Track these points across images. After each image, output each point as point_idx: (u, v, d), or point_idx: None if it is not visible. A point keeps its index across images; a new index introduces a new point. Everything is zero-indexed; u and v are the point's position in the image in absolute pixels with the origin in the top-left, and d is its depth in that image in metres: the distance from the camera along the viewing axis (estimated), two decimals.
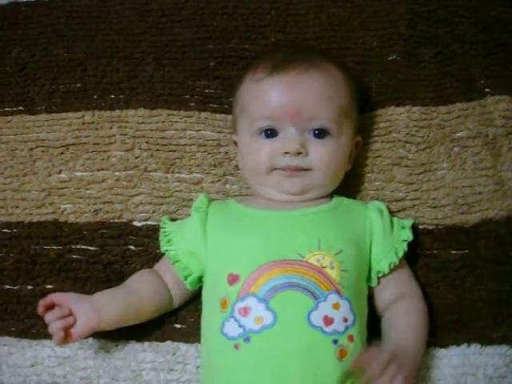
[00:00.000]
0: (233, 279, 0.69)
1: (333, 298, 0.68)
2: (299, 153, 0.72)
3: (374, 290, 0.75)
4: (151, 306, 0.75)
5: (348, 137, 0.76)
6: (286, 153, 0.73)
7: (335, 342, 0.66)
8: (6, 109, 0.90)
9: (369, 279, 0.74)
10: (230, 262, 0.71)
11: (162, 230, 0.79)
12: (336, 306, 0.68)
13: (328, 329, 0.66)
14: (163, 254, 0.78)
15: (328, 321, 0.67)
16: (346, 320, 0.68)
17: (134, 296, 0.74)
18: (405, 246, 0.75)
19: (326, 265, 0.69)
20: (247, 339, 0.66)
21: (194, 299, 0.79)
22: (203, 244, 0.74)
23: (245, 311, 0.67)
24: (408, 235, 0.76)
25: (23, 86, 0.91)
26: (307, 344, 0.66)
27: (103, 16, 0.94)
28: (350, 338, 0.67)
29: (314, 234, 0.71)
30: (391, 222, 0.77)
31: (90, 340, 0.79)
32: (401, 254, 0.74)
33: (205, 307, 0.74)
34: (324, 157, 0.73)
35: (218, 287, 0.71)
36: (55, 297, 0.72)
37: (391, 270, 0.74)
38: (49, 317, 0.70)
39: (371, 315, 0.73)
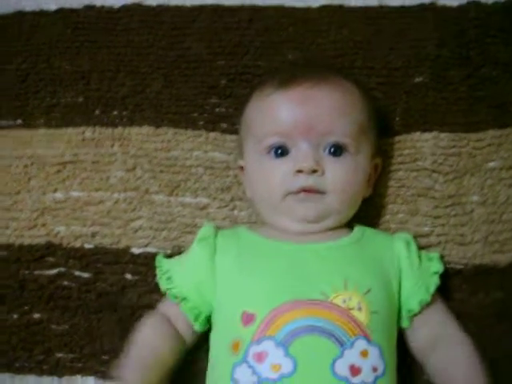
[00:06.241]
0: (247, 319, 0.61)
1: (360, 344, 0.60)
2: (314, 171, 0.65)
3: (406, 332, 0.67)
4: (170, 362, 0.66)
5: (366, 156, 0.70)
6: (300, 171, 0.66)
7: None
8: (4, 122, 0.85)
9: (399, 320, 0.67)
10: (245, 299, 0.63)
11: (158, 268, 0.71)
12: (364, 354, 0.60)
13: (355, 380, 0.58)
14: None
15: (355, 370, 0.59)
16: (375, 369, 0.60)
17: (154, 363, 0.65)
18: (436, 280, 0.68)
19: (353, 306, 0.61)
20: None
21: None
22: (211, 279, 0.67)
23: (260, 357, 0.59)
24: (438, 267, 0.69)
25: (23, 99, 0.86)
26: None
27: (110, 28, 0.89)
28: None
29: (339, 270, 0.64)
30: (419, 254, 0.69)
31: None
32: (432, 289, 0.67)
33: (212, 349, 0.66)
34: (341, 177, 0.66)
35: (230, 327, 0.63)
36: None
37: (422, 308, 0.66)
38: None
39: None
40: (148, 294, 0.75)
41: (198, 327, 0.68)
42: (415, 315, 0.66)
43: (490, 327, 0.71)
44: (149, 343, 0.66)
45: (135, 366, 0.64)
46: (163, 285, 0.69)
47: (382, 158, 0.76)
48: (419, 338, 0.67)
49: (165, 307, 0.70)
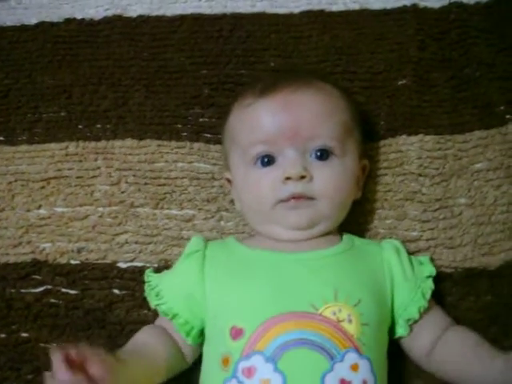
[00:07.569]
0: (236, 333, 0.60)
1: (351, 357, 0.58)
2: (302, 177, 0.65)
3: (405, 340, 0.66)
4: (165, 367, 0.64)
5: (353, 157, 0.69)
6: (288, 178, 0.65)
7: None
8: None
9: (394, 330, 0.66)
10: (234, 314, 0.62)
11: (146, 283, 0.69)
12: (354, 367, 0.58)
13: None
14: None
15: None
16: (365, 383, 0.59)
17: (148, 359, 0.63)
18: (431, 284, 0.67)
19: (343, 318, 0.60)
20: None
21: None
22: (201, 293, 0.65)
23: (249, 372, 0.58)
24: (430, 270, 0.68)
25: (5, 115, 0.85)
26: None
27: (91, 41, 0.89)
28: None
29: (328, 281, 0.62)
30: (409, 260, 0.69)
31: None
32: (429, 295, 0.66)
33: (204, 363, 0.65)
34: (330, 181, 0.66)
35: (219, 342, 0.62)
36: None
37: (421, 315, 0.65)
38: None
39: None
40: (136, 309, 0.74)
41: (191, 342, 0.66)
42: (415, 323, 0.65)
43: (481, 331, 0.69)
44: (143, 341, 0.65)
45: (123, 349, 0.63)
46: (152, 301, 0.68)
47: (370, 167, 0.75)
48: (420, 344, 0.66)
49: (160, 321, 0.69)
